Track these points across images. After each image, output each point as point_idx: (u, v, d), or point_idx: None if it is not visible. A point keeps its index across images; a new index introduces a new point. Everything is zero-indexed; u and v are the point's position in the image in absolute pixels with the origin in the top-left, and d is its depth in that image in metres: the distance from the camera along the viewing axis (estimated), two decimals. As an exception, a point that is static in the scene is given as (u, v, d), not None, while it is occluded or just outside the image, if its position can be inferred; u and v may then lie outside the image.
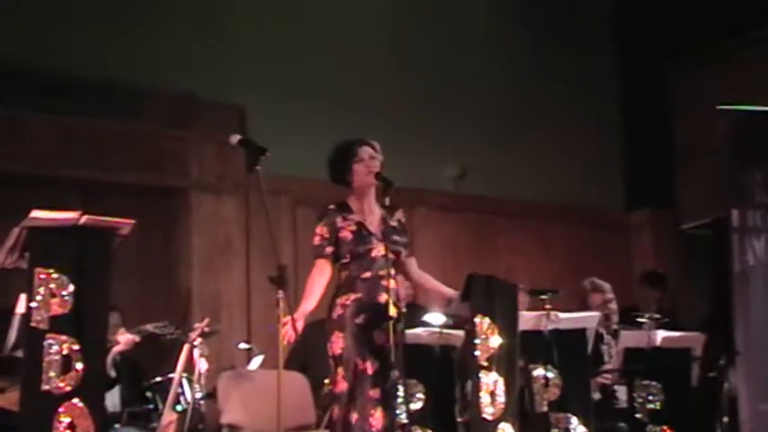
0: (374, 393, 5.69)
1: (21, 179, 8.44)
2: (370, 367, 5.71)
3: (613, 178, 11.40)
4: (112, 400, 7.10)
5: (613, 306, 7.94)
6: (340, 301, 5.81)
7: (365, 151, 5.93)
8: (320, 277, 5.85)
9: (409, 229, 6.12)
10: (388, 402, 5.72)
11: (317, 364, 6.94)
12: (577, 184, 10.89)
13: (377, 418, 5.67)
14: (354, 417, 5.66)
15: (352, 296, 5.80)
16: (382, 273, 5.77)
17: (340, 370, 5.74)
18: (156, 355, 7.87)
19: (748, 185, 8.39)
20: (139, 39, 9.03)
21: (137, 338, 6.96)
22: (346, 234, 5.86)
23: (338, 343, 5.76)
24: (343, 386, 5.72)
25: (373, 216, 5.94)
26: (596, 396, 7.44)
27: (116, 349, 6.90)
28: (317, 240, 5.89)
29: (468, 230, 10.37)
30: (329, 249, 5.86)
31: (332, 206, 5.94)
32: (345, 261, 5.85)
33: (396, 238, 5.89)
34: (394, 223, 5.95)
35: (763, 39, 10.16)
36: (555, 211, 10.82)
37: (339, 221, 5.88)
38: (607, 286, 7.98)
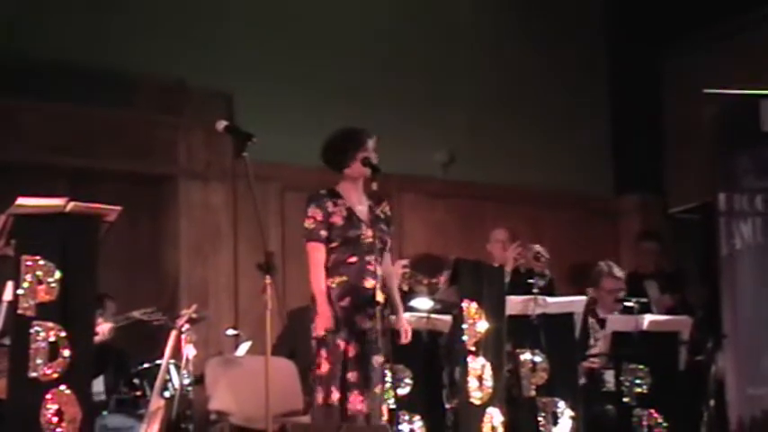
0: (352, 376, 5.74)
1: (9, 166, 8.42)
2: (351, 350, 5.74)
3: (602, 163, 11.37)
4: (97, 388, 7.08)
5: (622, 294, 7.95)
6: (325, 283, 5.82)
7: (371, 144, 5.98)
8: (320, 265, 5.86)
9: (396, 218, 6.13)
10: (367, 386, 5.74)
11: (305, 349, 6.94)
12: (566, 169, 10.85)
13: (352, 401, 5.72)
14: (334, 398, 5.70)
15: (338, 279, 5.82)
16: (369, 258, 5.81)
17: (323, 352, 5.77)
18: (144, 342, 7.86)
19: (735, 169, 8.42)
20: (127, 25, 8.98)
21: (113, 325, 6.92)
22: (337, 219, 5.90)
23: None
24: (325, 368, 5.76)
25: (362, 206, 5.99)
26: (582, 381, 7.45)
27: (95, 340, 6.86)
28: (310, 223, 5.90)
29: (457, 216, 10.35)
30: (324, 233, 5.88)
31: (323, 191, 5.99)
32: (335, 245, 5.88)
33: (382, 227, 5.97)
34: (380, 214, 6.01)
35: (752, 24, 10.14)
36: (543, 196, 10.79)
37: (330, 206, 5.91)
38: (621, 273, 7.98)
